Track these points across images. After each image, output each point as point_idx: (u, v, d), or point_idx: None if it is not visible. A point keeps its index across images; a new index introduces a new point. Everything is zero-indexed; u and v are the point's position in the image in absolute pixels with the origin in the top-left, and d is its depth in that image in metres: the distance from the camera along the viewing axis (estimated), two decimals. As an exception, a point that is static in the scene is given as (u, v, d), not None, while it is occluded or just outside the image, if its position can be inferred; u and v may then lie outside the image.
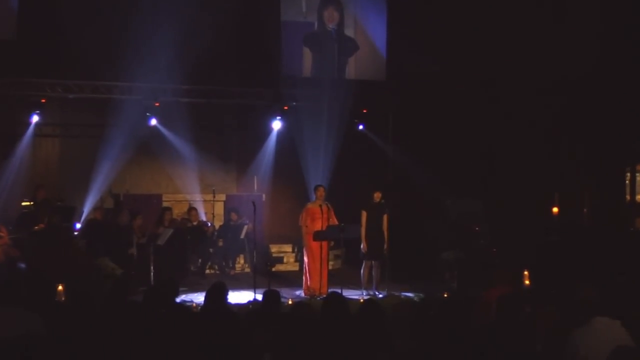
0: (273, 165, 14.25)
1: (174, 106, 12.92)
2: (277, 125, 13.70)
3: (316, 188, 10.57)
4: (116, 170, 13.26)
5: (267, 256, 12.90)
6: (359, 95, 13.25)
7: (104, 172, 12.99)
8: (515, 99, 12.52)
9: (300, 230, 10.47)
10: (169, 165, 14.17)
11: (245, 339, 4.71)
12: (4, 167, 12.55)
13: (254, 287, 9.56)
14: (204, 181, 14.14)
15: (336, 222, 10.21)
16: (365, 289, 10.34)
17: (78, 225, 11.76)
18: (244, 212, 12.81)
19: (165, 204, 12.82)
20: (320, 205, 10.28)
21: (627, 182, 12.48)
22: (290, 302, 8.97)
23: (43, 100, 12.43)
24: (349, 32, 13.60)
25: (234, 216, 13.02)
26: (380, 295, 10.22)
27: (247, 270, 12.70)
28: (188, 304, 8.93)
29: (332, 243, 11.29)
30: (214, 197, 13.51)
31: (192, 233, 11.99)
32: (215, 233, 12.88)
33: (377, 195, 10.46)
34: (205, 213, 13.33)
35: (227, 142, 14.97)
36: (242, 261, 13.12)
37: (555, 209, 11.75)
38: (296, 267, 13.23)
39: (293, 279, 11.61)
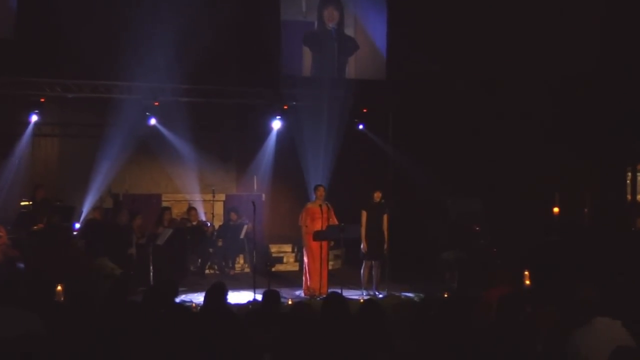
0: (273, 165, 14.24)
1: (173, 106, 12.92)
2: (277, 125, 13.68)
3: (316, 188, 10.55)
4: (115, 170, 13.25)
5: (266, 256, 12.87)
6: (359, 95, 13.25)
7: (103, 172, 12.99)
8: (515, 99, 12.51)
9: (300, 230, 10.45)
10: (168, 165, 14.16)
11: (245, 339, 4.71)
12: (3, 167, 12.53)
13: (253, 287, 9.54)
14: (203, 181, 14.12)
15: (336, 222, 10.19)
16: (365, 289, 10.32)
17: (77, 225, 11.74)
18: (243, 212, 12.79)
19: (164, 204, 12.81)
20: (320, 205, 10.27)
21: (627, 182, 12.49)
22: (290, 302, 8.96)
23: (42, 100, 12.40)
24: (349, 31, 13.58)
25: (233, 216, 13.00)
26: (380, 295, 10.21)
27: (247, 270, 12.68)
28: (188, 304, 8.90)
29: (332, 243, 11.27)
30: (214, 197, 13.47)
31: (191, 233, 11.98)
32: (215, 233, 12.86)
33: (377, 195, 10.44)
34: (205, 213, 13.31)
35: (226, 142, 14.95)
36: (241, 261, 13.10)
37: (555, 209, 11.73)
38: (296, 267, 13.20)
39: (293, 279, 11.59)
